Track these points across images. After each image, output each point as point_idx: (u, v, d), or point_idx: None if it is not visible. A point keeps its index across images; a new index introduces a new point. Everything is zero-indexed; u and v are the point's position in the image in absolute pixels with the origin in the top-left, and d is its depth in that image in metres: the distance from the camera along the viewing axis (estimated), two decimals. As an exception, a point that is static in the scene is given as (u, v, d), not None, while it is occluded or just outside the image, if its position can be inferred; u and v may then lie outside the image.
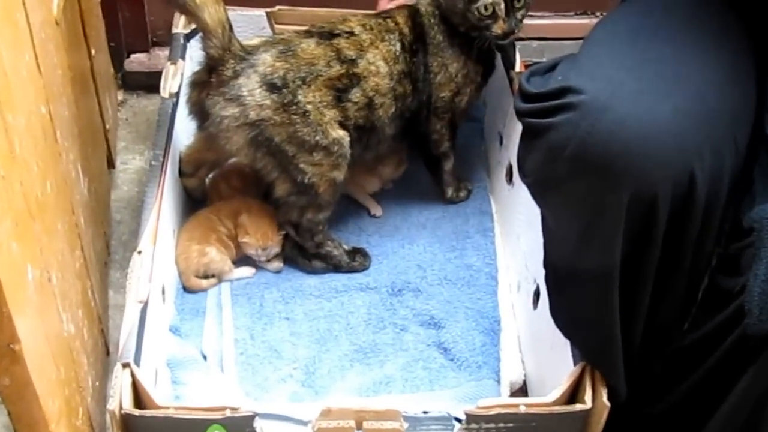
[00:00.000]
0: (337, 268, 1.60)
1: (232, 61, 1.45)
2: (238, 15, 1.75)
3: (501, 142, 1.72)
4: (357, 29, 1.54)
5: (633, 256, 1.09)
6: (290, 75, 1.45)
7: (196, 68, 1.51)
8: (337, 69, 1.49)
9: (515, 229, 1.59)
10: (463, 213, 1.72)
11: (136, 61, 2.07)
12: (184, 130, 1.62)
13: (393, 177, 1.74)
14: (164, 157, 1.47)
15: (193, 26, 1.73)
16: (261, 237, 1.56)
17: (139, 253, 1.28)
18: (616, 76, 1.09)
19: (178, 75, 1.62)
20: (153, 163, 1.47)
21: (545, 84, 1.16)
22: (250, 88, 1.44)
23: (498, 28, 1.53)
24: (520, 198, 1.48)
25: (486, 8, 1.51)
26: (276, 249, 1.58)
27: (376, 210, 1.72)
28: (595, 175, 1.06)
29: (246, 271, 1.58)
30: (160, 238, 1.37)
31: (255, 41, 1.51)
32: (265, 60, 1.45)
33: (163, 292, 1.41)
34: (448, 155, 1.70)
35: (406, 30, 1.57)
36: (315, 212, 1.54)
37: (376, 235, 1.67)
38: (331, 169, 1.49)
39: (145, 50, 2.07)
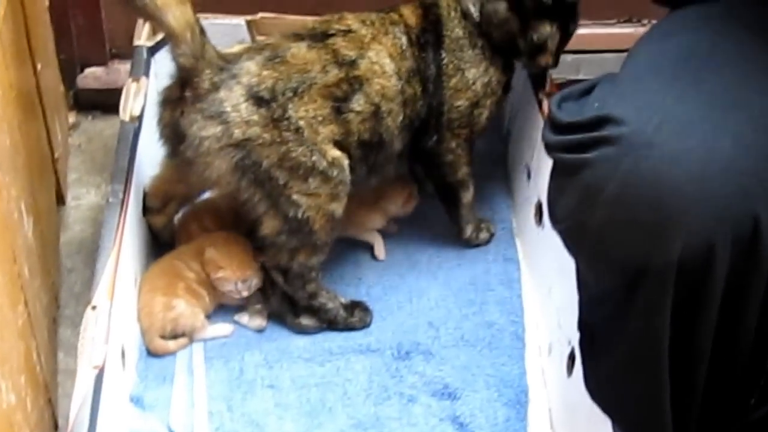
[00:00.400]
0: (331, 326, 1.61)
1: (209, 72, 1.46)
2: (212, 24, 1.76)
3: (529, 176, 1.74)
4: (355, 26, 1.56)
5: (685, 318, 1.10)
6: (279, 85, 1.46)
7: (168, 83, 1.52)
8: (334, 74, 1.50)
9: (546, 280, 1.60)
10: (483, 259, 1.74)
11: (91, 77, 2.09)
12: (149, 160, 1.64)
13: (400, 214, 1.75)
14: (124, 192, 1.49)
15: (159, 38, 1.77)
16: (237, 267, 1.57)
17: (94, 308, 1.29)
18: (663, 103, 1.10)
19: (141, 94, 1.65)
20: (111, 199, 1.48)
21: (580, 111, 1.18)
22: (234, 102, 1.45)
23: (544, 60, 1.63)
24: (552, 242, 1.47)
25: (539, 39, 1.58)
26: (256, 281, 1.59)
27: (381, 251, 1.74)
28: (640, 222, 1.07)
29: (222, 328, 1.60)
30: (119, 290, 1.38)
31: (235, 48, 1.53)
32: (250, 69, 1.47)
33: (123, 356, 1.42)
34: (466, 184, 1.71)
35: (412, 21, 1.60)
36: (308, 255, 1.55)
37: (377, 287, 1.69)
38: (329, 200, 1.51)
39: (102, 63, 2.10)
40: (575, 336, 1.33)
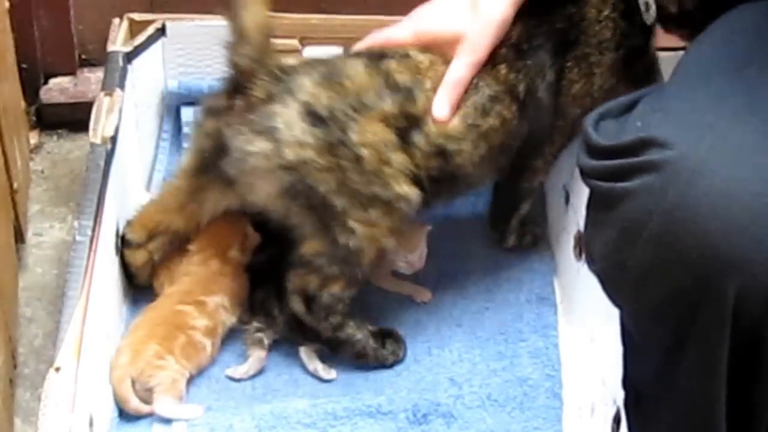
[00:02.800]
0: (359, 359, 1.65)
1: (266, 80, 1.49)
2: (204, 27, 1.84)
3: (567, 201, 1.76)
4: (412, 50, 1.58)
5: (743, 375, 1.10)
6: (337, 106, 1.49)
7: (217, 90, 1.56)
8: (389, 103, 1.53)
9: (588, 327, 1.61)
10: (515, 302, 1.76)
11: (57, 89, 2.12)
12: (123, 189, 1.66)
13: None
14: (94, 229, 1.50)
15: (137, 43, 1.80)
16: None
17: (57, 370, 1.30)
18: (716, 123, 1.10)
19: (114, 111, 1.66)
20: (78, 237, 1.48)
21: (620, 132, 1.18)
22: (288, 118, 1.48)
23: None
24: (594, 281, 1.48)
25: None
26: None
27: (424, 295, 1.77)
28: (688, 264, 1.07)
29: (192, 411, 1.59)
30: (87, 347, 1.39)
31: (291, 60, 1.56)
32: (304, 85, 1.50)
33: (91, 425, 1.43)
34: (530, 194, 1.76)
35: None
36: (344, 287, 1.59)
37: (390, 336, 1.70)
38: (387, 233, 1.55)
39: (70, 72, 2.13)
40: (621, 394, 1.33)
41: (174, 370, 1.58)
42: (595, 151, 1.19)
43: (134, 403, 1.57)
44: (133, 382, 1.56)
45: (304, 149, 1.47)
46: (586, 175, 1.20)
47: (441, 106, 1.54)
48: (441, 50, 1.57)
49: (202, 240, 1.70)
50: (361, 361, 1.64)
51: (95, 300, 1.45)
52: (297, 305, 1.61)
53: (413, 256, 1.71)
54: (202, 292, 1.64)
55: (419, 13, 1.62)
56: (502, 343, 1.69)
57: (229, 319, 1.66)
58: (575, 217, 1.70)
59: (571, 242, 1.71)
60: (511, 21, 1.57)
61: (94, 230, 1.50)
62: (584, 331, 1.63)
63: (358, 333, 1.63)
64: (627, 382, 1.28)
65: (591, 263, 1.21)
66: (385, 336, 1.66)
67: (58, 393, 1.28)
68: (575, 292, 1.70)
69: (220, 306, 1.64)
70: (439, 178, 1.57)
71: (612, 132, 1.20)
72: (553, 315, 1.74)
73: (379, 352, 1.64)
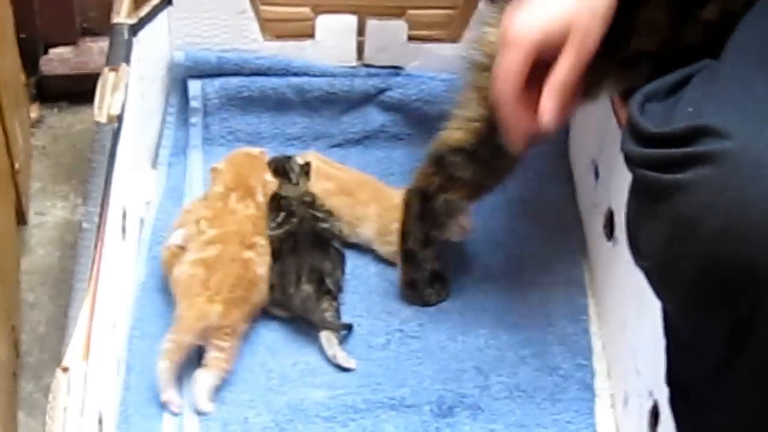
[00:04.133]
0: (408, 287, 1.67)
1: None
2: None
3: (596, 176, 1.71)
4: None
5: None
6: None
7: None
8: None
9: (620, 311, 1.56)
10: (541, 284, 1.71)
11: (58, 59, 2.08)
12: (130, 168, 1.62)
13: None
14: (101, 215, 1.45)
15: (142, 14, 1.75)
16: None
17: (65, 370, 1.25)
18: None
19: (120, 88, 1.61)
20: (85, 224, 1.43)
21: (669, 116, 1.13)
22: None
23: None
24: (627, 263, 1.42)
25: None
26: None
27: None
28: (748, 265, 1.01)
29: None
30: (97, 343, 1.34)
31: None
32: None
33: (101, 422, 1.39)
34: None
35: None
36: (465, 195, 1.59)
37: (412, 322, 1.65)
38: None
39: (71, 42, 2.08)
40: (658, 387, 1.29)
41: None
42: (642, 137, 1.13)
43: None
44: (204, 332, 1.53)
45: None
46: (633, 162, 1.15)
47: (548, 111, 1.34)
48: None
49: (230, 181, 1.69)
50: (408, 291, 1.67)
51: (103, 291, 1.40)
52: (414, 206, 1.60)
53: (465, 220, 1.65)
54: (252, 233, 1.63)
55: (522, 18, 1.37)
56: (529, 329, 1.64)
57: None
58: (606, 193, 1.64)
59: (601, 220, 1.65)
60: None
61: (101, 216, 1.45)
62: (616, 316, 1.59)
63: (428, 263, 1.65)
64: (672, 380, 1.23)
65: (637, 258, 1.16)
66: (436, 277, 1.67)
67: (65, 396, 1.23)
68: (606, 274, 1.66)
69: (266, 249, 1.63)
70: None
71: (660, 116, 1.14)
72: (583, 298, 1.69)
73: (427, 290, 1.66)
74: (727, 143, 1.03)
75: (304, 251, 1.62)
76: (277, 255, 1.63)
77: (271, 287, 1.62)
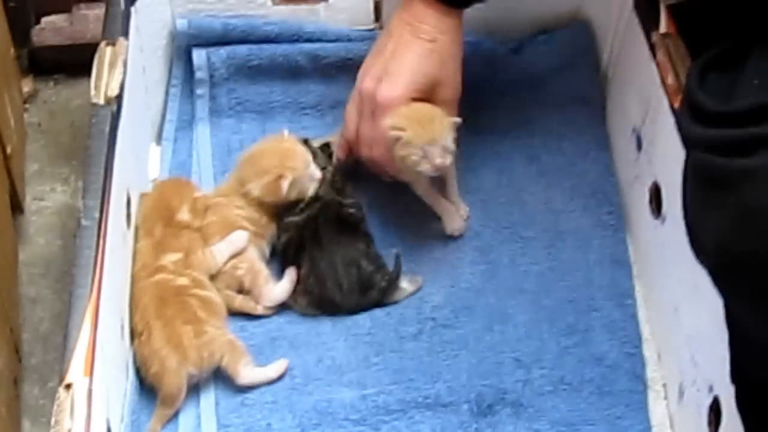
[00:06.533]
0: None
1: None
2: None
3: (639, 146, 1.65)
4: None
5: None
6: None
7: None
8: None
9: (671, 294, 1.51)
10: (583, 263, 1.65)
11: (51, 29, 2.03)
12: (133, 147, 1.59)
13: None
14: (102, 210, 1.39)
15: None
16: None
17: (68, 387, 1.21)
18: None
19: (118, 65, 1.55)
20: (84, 222, 1.38)
21: (732, 91, 1.09)
22: None
23: None
24: (678, 241, 1.39)
25: None
26: None
27: (456, 222, 1.67)
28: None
29: (278, 366, 1.53)
30: (101, 349, 1.29)
31: None
32: None
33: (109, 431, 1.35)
34: None
35: None
36: None
37: (445, 309, 1.60)
38: None
39: (64, 9, 2.04)
40: (720, 380, 1.26)
41: (220, 331, 1.51)
42: (704, 115, 1.10)
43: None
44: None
45: None
46: (693, 144, 1.12)
47: None
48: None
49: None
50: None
51: (108, 293, 1.36)
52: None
53: (433, 149, 1.54)
54: (155, 259, 1.55)
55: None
56: (571, 314, 1.60)
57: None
58: (650, 167, 1.59)
59: (646, 196, 1.60)
60: None
61: (102, 211, 1.39)
62: (666, 299, 1.54)
63: None
64: (738, 377, 1.21)
65: (699, 253, 1.12)
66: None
67: (69, 418, 1.19)
68: (653, 253, 1.60)
69: (179, 261, 1.55)
70: None
71: (722, 91, 1.10)
72: (628, 279, 1.64)
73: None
74: (801, 122, 0.99)
75: (330, 242, 1.58)
76: (297, 246, 1.59)
77: (308, 291, 1.58)
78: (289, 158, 1.59)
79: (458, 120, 1.55)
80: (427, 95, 1.53)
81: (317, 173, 1.59)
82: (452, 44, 1.52)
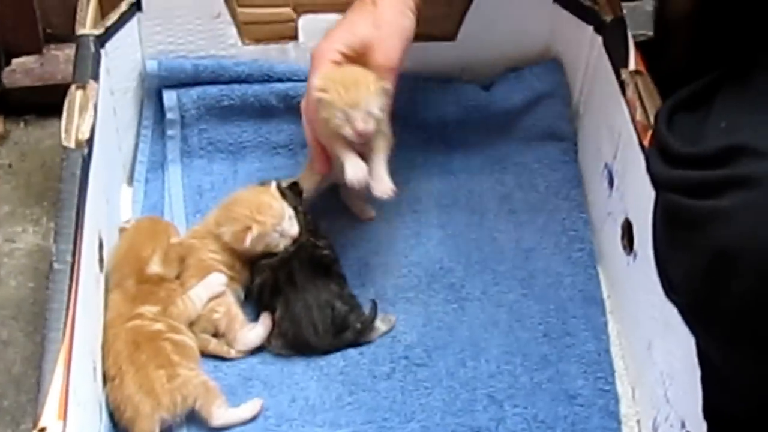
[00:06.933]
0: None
1: None
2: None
3: (611, 183, 1.66)
4: None
5: None
6: None
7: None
8: None
9: (644, 330, 1.52)
10: (554, 296, 1.66)
11: (21, 70, 2.04)
12: (105, 190, 1.59)
13: None
14: (74, 253, 1.39)
15: (109, 23, 1.70)
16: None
17: (42, 431, 1.21)
18: None
19: (89, 108, 1.55)
20: (56, 265, 1.37)
21: (700, 132, 1.09)
22: None
23: None
24: (651, 279, 1.39)
25: None
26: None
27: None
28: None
29: (252, 406, 1.52)
30: (76, 395, 1.29)
31: None
32: None
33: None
34: None
35: None
36: None
37: (418, 348, 1.59)
38: None
39: (35, 50, 2.04)
40: (693, 416, 1.26)
41: (193, 373, 1.50)
42: (672, 156, 1.10)
43: None
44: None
45: None
46: (662, 186, 1.12)
47: None
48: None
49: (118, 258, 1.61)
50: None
51: (80, 336, 1.35)
52: None
53: (355, 113, 1.50)
54: (131, 309, 1.54)
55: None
56: (545, 347, 1.60)
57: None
58: (621, 203, 1.60)
59: (618, 232, 1.61)
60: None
61: (74, 255, 1.39)
62: (639, 335, 1.54)
63: None
64: (710, 414, 1.21)
65: (670, 292, 1.14)
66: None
67: None
68: (626, 289, 1.61)
69: (157, 311, 1.54)
70: None
71: (690, 132, 1.11)
72: (602, 315, 1.64)
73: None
74: (768, 164, 1.00)
75: (304, 283, 1.57)
76: (272, 288, 1.58)
77: (283, 333, 1.58)
78: (262, 212, 1.57)
79: (388, 86, 1.53)
80: (360, 57, 1.52)
81: (292, 231, 1.58)
82: (392, 11, 1.51)
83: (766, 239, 0.98)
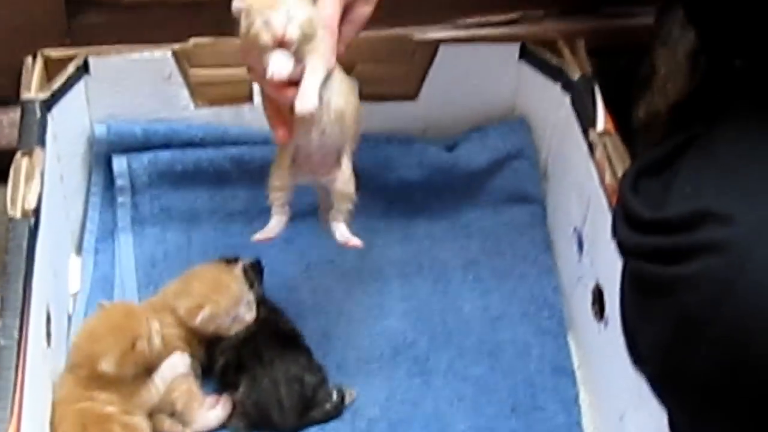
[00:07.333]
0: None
1: None
2: (134, 61, 1.76)
3: (581, 247, 1.68)
4: None
5: None
6: None
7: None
8: None
9: (616, 401, 1.53)
10: (523, 369, 1.67)
11: None
12: (52, 261, 1.59)
13: None
14: (21, 329, 1.40)
15: (55, 87, 1.72)
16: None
17: None
18: None
19: (36, 176, 1.57)
20: (2, 341, 1.38)
21: (665, 198, 1.12)
22: None
23: None
24: (621, 346, 1.40)
25: None
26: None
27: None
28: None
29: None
30: None
31: None
32: None
33: None
34: None
35: None
36: None
37: (382, 422, 1.61)
38: None
39: None
40: None
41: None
42: (637, 222, 1.12)
43: None
44: None
45: None
46: (627, 252, 1.14)
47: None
48: None
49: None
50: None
51: (28, 417, 1.36)
52: None
53: (276, 14, 1.37)
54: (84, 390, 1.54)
55: None
56: (514, 421, 1.61)
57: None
58: (592, 268, 1.62)
59: (588, 298, 1.62)
60: None
61: (21, 330, 1.40)
62: (611, 406, 1.56)
63: None
64: None
65: (637, 361, 1.15)
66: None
67: None
68: (597, 358, 1.63)
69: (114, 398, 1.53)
70: None
71: (655, 197, 1.13)
72: (572, 387, 1.66)
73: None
74: (734, 230, 1.02)
75: (274, 357, 1.59)
76: (236, 367, 1.60)
77: (246, 412, 1.58)
78: (218, 292, 1.58)
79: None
80: None
81: (247, 317, 1.59)
82: None
83: (731, 306, 1.00)
